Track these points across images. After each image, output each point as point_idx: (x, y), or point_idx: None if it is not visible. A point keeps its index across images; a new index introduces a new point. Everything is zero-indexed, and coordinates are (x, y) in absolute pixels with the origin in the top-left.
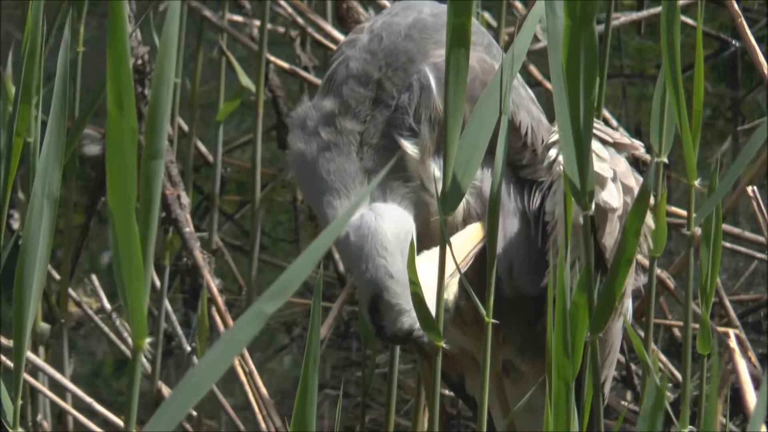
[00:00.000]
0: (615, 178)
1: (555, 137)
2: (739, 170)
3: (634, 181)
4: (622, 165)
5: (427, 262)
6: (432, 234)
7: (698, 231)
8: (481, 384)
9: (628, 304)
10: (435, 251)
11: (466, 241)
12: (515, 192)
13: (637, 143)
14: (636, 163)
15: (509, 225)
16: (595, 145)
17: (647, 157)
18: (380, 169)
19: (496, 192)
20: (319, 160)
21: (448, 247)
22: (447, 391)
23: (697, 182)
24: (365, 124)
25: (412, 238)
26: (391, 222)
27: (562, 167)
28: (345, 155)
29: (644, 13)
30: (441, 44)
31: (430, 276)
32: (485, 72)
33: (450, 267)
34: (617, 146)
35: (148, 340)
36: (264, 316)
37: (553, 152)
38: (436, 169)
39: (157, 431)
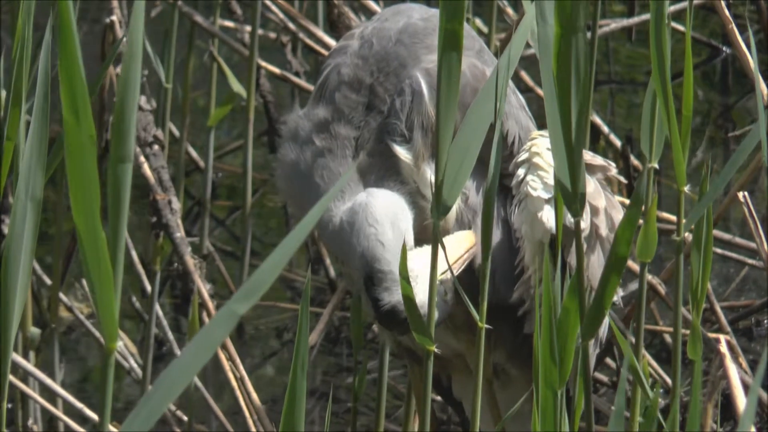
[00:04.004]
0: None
1: (524, 156)
2: (728, 176)
3: (604, 201)
4: (591, 186)
5: (423, 255)
6: (427, 238)
7: (689, 237)
8: (474, 389)
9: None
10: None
11: (456, 244)
12: (499, 201)
13: (610, 164)
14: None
15: (493, 233)
16: None
17: (621, 178)
18: (376, 171)
19: (489, 201)
20: (313, 167)
21: (441, 251)
22: (438, 397)
23: (686, 188)
24: (359, 129)
25: (409, 226)
26: (381, 198)
27: (529, 188)
28: (340, 159)
29: (634, 19)
30: (432, 49)
31: (426, 269)
32: (476, 78)
33: (443, 267)
34: (588, 167)
35: (119, 343)
36: (235, 316)
37: (521, 171)
38: (431, 174)
39: (134, 429)
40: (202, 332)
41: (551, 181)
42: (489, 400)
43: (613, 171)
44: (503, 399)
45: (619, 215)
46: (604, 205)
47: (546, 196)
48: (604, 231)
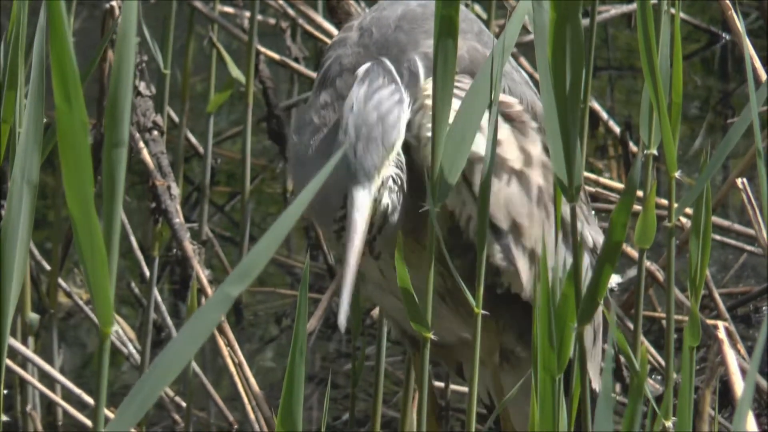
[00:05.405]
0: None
1: (417, 103)
2: (720, 160)
3: (508, 132)
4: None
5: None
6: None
7: (687, 223)
8: (470, 373)
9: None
10: None
11: None
12: None
13: (512, 100)
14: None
15: None
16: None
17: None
18: None
19: (485, 187)
20: (311, 143)
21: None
22: (437, 383)
23: (678, 174)
24: None
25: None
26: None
27: (424, 130)
28: (336, 128)
29: (634, 5)
30: (431, 34)
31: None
32: (475, 62)
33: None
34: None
35: (118, 329)
36: (230, 298)
37: (417, 118)
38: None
39: (131, 412)
40: (196, 315)
41: None
42: (496, 387)
43: (517, 108)
44: (513, 382)
45: (536, 149)
46: (507, 135)
47: None
48: (517, 164)
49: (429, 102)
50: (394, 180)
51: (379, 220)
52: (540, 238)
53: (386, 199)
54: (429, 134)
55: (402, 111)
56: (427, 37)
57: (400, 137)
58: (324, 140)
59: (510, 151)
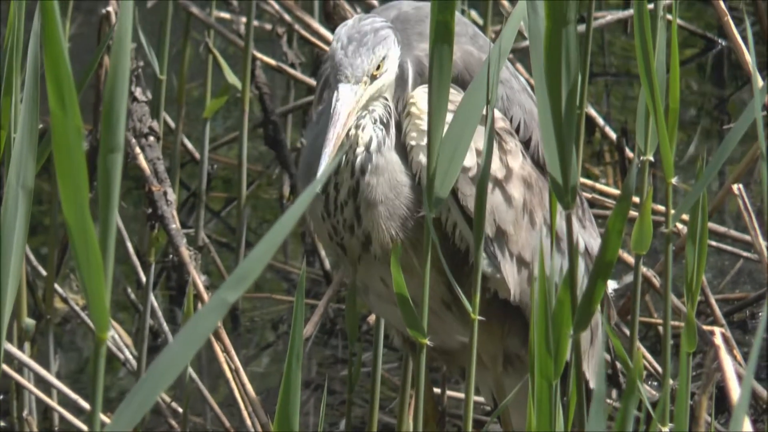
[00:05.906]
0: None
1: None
2: (717, 166)
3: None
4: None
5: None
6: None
7: (683, 229)
8: (467, 379)
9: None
10: None
11: None
12: None
13: (497, 115)
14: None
15: None
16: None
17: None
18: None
19: (482, 188)
20: (313, 137)
21: None
22: (434, 389)
23: (675, 180)
24: None
25: None
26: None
27: (409, 137)
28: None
29: (630, 11)
30: (424, 36)
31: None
32: (469, 67)
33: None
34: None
35: (115, 335)
36: (226, 304)
37: (405, 123)
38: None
39: (127, 417)
40: (192, 320)
41: (425, 127)
42: (498, 393)
43: (500, 123)
44: (516, 386)
45: (515, 161)
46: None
47: (423, 142)
48: (499, 174)
49: (414, 110)
50: (380, 119)
51: (362, 155)
52: (527, 243)
53: (370, 131)
54: (413, 143)
55: (393, 37)
56: (420, 39)
57: (389, 58)
58: (316, 130)
59: (492, 162)
